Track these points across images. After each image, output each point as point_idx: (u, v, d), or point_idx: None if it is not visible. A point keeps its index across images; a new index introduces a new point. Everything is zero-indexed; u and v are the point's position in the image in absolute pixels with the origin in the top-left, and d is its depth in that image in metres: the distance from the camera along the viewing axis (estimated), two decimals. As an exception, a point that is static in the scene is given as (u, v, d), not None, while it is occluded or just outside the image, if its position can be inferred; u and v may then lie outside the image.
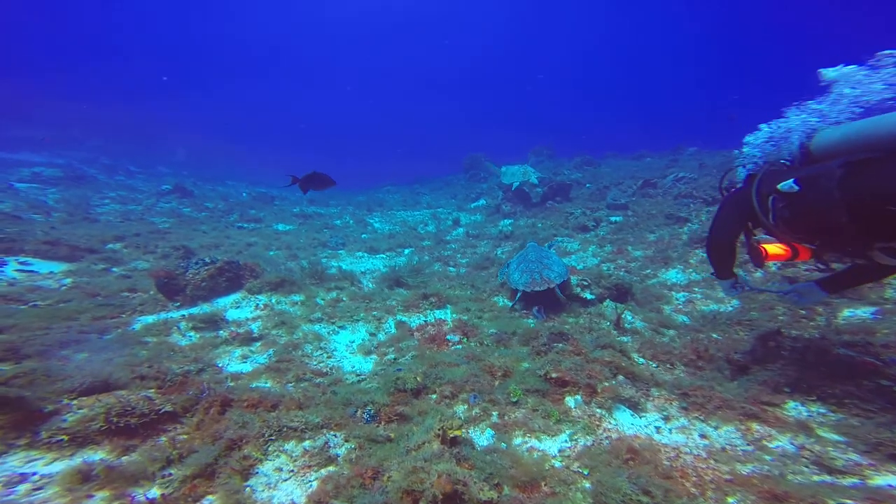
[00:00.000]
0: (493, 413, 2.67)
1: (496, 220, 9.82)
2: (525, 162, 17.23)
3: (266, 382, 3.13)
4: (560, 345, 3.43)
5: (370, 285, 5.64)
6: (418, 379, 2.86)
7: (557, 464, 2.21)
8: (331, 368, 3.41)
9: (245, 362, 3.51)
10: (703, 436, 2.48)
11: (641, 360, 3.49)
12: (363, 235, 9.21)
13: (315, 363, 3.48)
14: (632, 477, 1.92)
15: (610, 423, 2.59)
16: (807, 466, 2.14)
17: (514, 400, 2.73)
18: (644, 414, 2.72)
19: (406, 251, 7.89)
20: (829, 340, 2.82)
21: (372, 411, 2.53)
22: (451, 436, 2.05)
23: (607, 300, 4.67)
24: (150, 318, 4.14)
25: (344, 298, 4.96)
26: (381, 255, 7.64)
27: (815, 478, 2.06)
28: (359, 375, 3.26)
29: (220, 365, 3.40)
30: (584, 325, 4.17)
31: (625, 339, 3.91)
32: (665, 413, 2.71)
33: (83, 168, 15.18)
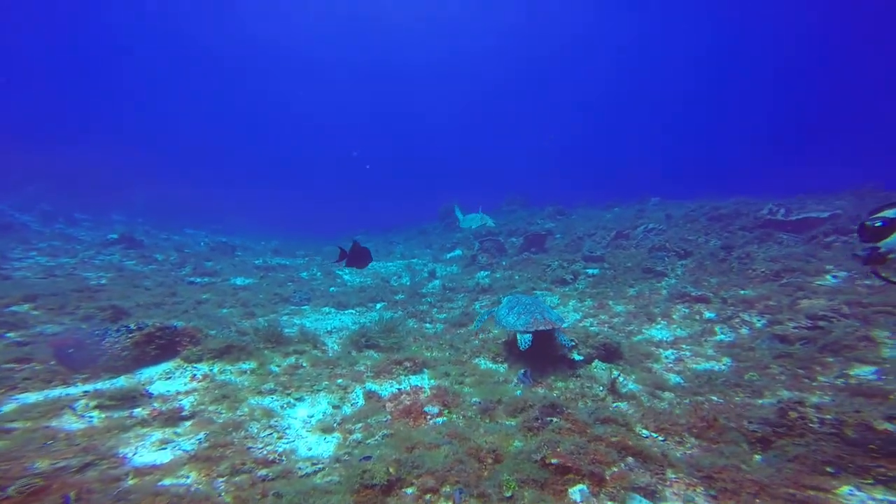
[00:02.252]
0: None
1: (472, 271, 9.53)
2: (499, 209, 17.67)
3: (187, 477, 2.43)
4: (555, 419, 2.95)
5: (335, 347, 5.02)
6: (391, 470, 2.28)
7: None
8: (280, 454, 2.74)
9: (164, 449, 2.77)
10: None
11: (645, 431, 3.05)
12: (331, 289, 8.58)
13: (260, 448, 2.80)
14: None
15: None
16: None
17: (508, 495, 2.19)
18: (664, 505, 2.24)
19: (378, 306, 7.33)
20: (867, 412, 2.52)
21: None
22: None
23: (596, 361, 4.29)
24: (34, 397, 3.31)
25: (304, 364, 4.32)
26: (351, 311, 7.04)
27: None
28: (315, 464, 2.62)
29: (122, 455, 2.65)
30: (576, 391, 3.72)
31: (622, 405, 3.48)
32: None
33: (14, 215, 13.92)
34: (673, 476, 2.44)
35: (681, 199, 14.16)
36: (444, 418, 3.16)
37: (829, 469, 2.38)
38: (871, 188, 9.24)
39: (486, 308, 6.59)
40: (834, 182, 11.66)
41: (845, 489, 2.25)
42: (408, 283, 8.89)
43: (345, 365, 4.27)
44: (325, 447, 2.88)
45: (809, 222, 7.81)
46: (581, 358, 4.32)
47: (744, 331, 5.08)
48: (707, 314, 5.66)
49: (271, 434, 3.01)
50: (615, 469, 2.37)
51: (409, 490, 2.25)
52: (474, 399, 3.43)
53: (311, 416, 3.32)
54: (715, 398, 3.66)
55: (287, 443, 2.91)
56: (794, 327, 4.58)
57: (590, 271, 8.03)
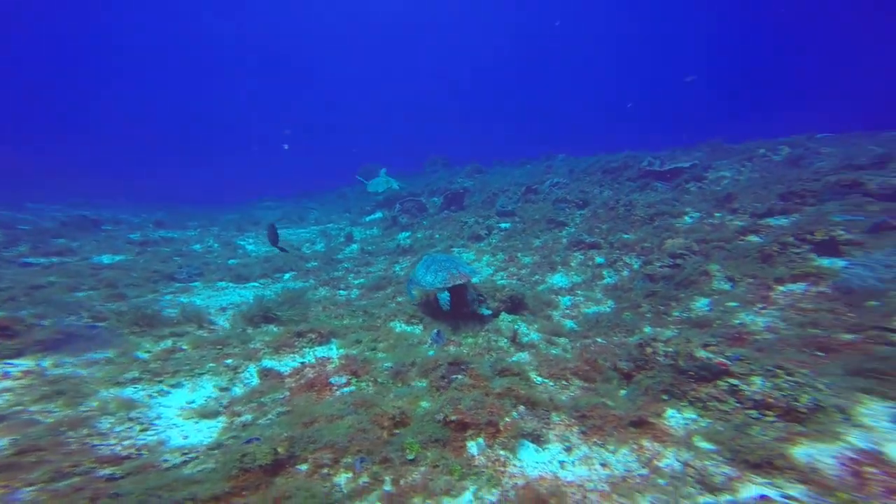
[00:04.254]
0: (386, 478, 2.12)
1: (394, 233, 9.29)
2: (421, 171, 17.27)
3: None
4: (459, 377, 3.05)
5: (227, 325, 4.56)
6: (280, 449, 2.15)
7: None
8: (141, 448, 2.41)
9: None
10: (603, 464, 2.30)
11: (539, 378, 3.32)
12: (231, 261, 7.73)
13: (113, 444, 2.44)
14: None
15: (514, 465, 2.26)
16: (693, 487, 2.08)
17: (411, 457, 2.23)
18: (547, 446, 2.46)
19: (286, 276, 6.81)
20: (693, 343, 2.97)
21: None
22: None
23: (503, 314, 4.52)
24: None
25: (184, 347, 3.84)
26: (253, 284, 6.43)
27: (702, 499, 2.00)
28: (187, 453, 2.36)
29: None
30: (483, 346, 3.90)
31: (522, 355, 3.74)
32: (567, 443, 2.49)
33: None
34: (557, 419, 2.69)
35: (585, 155, 15.07)
36: (353, 387, 3.07)
37: (664, 396, 2.80)
38: (719, 141, 10.66)
39: (408, 270, 6.52)
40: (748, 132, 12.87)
41: (670, 412, 2.67)
42: (322, 250, 8.38)
43: (236, 343, 3.89)
44: (206, 434, 2.63)
45: (677, 171, 8.84)
46: (489, 312, 4.51)
47: (625, 273, 5.72)
48: (598, 259, 6.24)
49: (132, 427, 2.64)
50: (508, 419, 2.54)
51: (303, 467, 2.16)
52: (386, 364, 3.39)
53: (192, 402, 2.99)
54: (600, 340, 4.10)
55: (154, 434, 2.59)
56: (660, 266, 5.26)
57: (502, 226, 8.30)
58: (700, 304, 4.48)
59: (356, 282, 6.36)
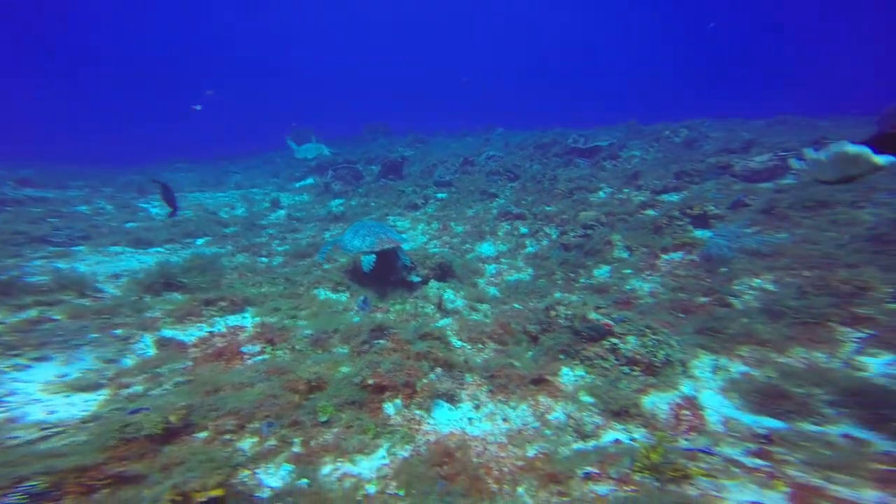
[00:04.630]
0: (296, 440, 2.21)
1: (326, 199, 8.92)
2: (360, 136, 16.43)
3: None
4: (381, 342, 3.20)
5: (115, 292, 4.17)
6: (172, 418, 2.09)
7: (372, 489, 1.97)
8: None
9: None
10: (505, 419, 2.63)
11: (459, 342, 3.60)
12: (129, 224, 6.90)
13: None
14: (442, 494, 1.83)
15: (429, 423, 2.50)
16: (571, 435, 2.47)
17: (324, 419, 2.35)
18: (460, 405, 2.74)
19: (199, 241, 6.30)
20: (587, 306, 3.41)
21: (38, 488, 1.60)
22: (202, 499, 1.51)
23: (432, 281, 4.72)
24: None
25: (57, 317, 3.45)
26: (157, 249, 5.87)
27: (575, 445, 2.38)
28: (48, 428, 2.18)
29: None
30: (411, 312, 4.08)
31: (447, 321, 3.99)
32: (476, 401, 2.79)
33: None
34: (470, 379, 2.98)
35: (522, 129, 15.46)
36: (267, 356, 3.04)
37: (561, 356, 3.23)
38: (635, 121, 11.64)
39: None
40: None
41: (564, 370, 3.11)
42: (243, 214, 7.81)
43: (129, 312, 3.59)
44: (80, 408, 2.47)
45: (596, 149, 9.57)
46: (419, 279, 4.67)
47: (544, 242, 6.23)
48: (522, 229, 6.68)
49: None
50: (425, 381, 2.78)
51: (202, 434, 2.16)
52: (307, 332, 3.40)
53: (63, 376, 2.77)
54: (517, 305, 4.49)
55: (3, 412, 2.37)
56: (574, 236, 5.82)
57: (439, 195, 8.40)
58: (602, 272, 5.09)
59: (280, 248, 6.10)
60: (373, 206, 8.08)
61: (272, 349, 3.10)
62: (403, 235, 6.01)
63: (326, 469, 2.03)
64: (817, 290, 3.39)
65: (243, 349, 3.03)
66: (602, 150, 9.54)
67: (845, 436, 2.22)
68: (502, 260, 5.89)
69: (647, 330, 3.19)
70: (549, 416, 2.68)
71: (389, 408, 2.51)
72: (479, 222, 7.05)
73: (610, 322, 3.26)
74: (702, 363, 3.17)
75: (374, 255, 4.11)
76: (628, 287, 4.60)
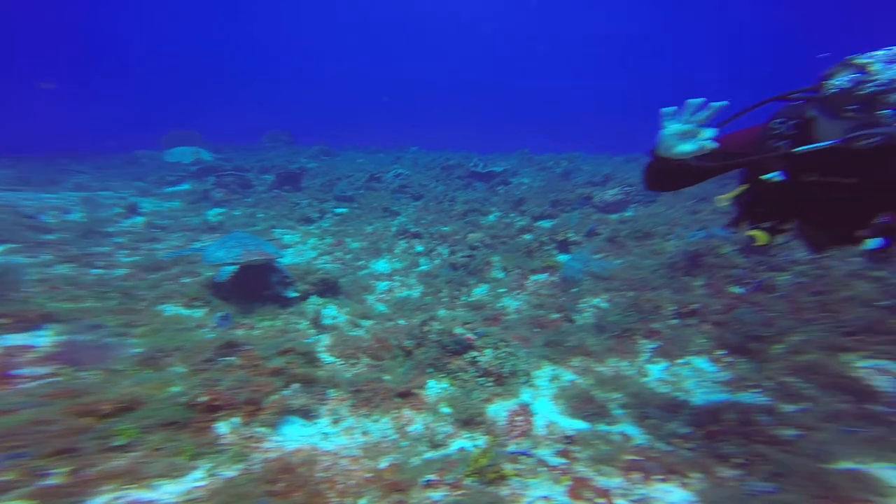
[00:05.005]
0: (57, 471, 1.86)
1: (203, 208, 8.06)
2: (259, 146, 15.24)
3: None
4: (230, 359, 3.02)
5: None
6: None
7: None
8: None
9: None
10: (364, 433, 2.71)
11: (331, 358, 3.58)
12: None
13: None
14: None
15: (272, 441, 2.44)
16: (425, 445, 2.63)
17: (122, 443, 2.07)
18: (317, 421, 2.75)
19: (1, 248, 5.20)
20: (456, 322, 3.72)
21: None
22: None
23: (313, 297, 4.62)
24: None
25: None
26: None
27: (427, 455, 2.55)
28: None
29: None
30: (280, 328, 3.93)
31: (320, 337, 3.94)
32: (336, 416, 2.83)
33: None
34: (333, 394, 3.00)
35: (437, 150, 16.03)
36: (61, 378, 2.64)
37: (429, 370, 3.46)
38: (528, 151, 13.13)
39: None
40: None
41: (431, 383, 3.32)
42: (80, 220, 6.65)
43: None
44: None
45: (492, 174, 10.50)
46: (296, 295, 4.53)
47: (437, 261, 6.57)
48: (418, 248, 6.95)
49: None
50: (276, 396, 2.70)
51: None
52: (135, 350, 3.04)
53: None
54: (402, 321, 4.65)
55: None
56: (461, 256, 6.27)
57: (338, 210, 8.26)
58: (481, 290, 5.58)
59: (128, 259, 5.33)
60: (259, 218, 7.57)
61: (74, 370, 2.67)
62: (289, 250, 5.78)
63: (100, 500, 1.80)
64: (631, 309, 4.24)
65: (18, 371, 2.55)
66: (497, 175, 10.49)
67: (621, 433, 2.80)
68: (395, 277, 6.03)
69: (501, 343, 3.60)
70: (409, 428, 2.83)
71: (223, 427, 2.38)
72: (378, 239, 7.13)
73: (471, 336, 3.59)
74: (544, 373, 3.67)
75: (234, 267, 3.85)
76: (500, 305, 5.11)
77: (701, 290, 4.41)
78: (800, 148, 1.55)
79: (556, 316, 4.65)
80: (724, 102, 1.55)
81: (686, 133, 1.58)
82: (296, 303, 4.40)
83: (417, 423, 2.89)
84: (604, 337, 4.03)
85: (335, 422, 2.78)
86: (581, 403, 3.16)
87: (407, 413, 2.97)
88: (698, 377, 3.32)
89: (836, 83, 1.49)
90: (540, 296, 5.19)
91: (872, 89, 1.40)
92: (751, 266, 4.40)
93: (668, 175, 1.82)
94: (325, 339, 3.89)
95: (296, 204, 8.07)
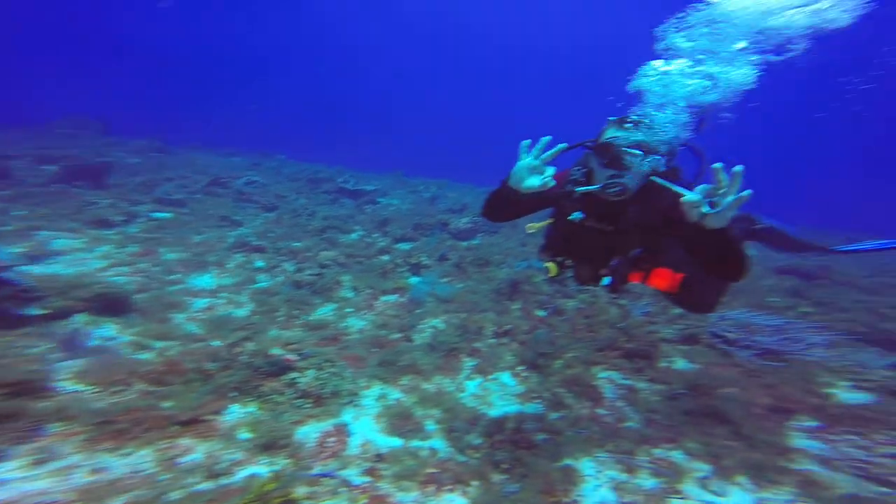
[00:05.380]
0: None
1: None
2: (47, 131, 11.69)
3: None
4: None
5: None
6: None
7: None
8: None
9: None
10: (94, 471, 2.11)
11: (77, 387, 2.75)
12: None
13: None
14: None
15: None
16: (198, 476, 2.25)
17: None
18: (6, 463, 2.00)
19: None
20: (274, 342, 3.34)
21: None
22: None
23: (80, 315, 3.55)
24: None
25: None
26: None
27: (197, 486, 2.17)
28: None
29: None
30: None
31: (72, 362, 3.01)
32: (43, 455, 2.13)
33: None
34: (57, 429, 2.26)
35: (311, 161, 14.96)
36: None
37: (232, 394, 3.00)
38: (402, 172, 13.49)
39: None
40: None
41: (233, 407, 2.90)
42: None
43: None
44: None
45: (362, 192, 10.41)
46: (42, 312, 3.41)
47: (280, 278, 5.95)
48: (258, 263, 6.19)
49: None
50: None
51: None
52: None
53: None
54: (218, 342, 3.93)
55: None
56: (308, 274, 5.83)
57: (157, 215, 6.81)
58: (326, 310, 5.25)
59: None
60: (14, 216, 5.61)
61: None
62: (60, 258, 4.40)
63: None
64: (459, 329, 4.57)
65: None
66: (367, 193, 10.42)
67: (430, 448, 2.88)
68: (221, 294, 5.19)
69: (327, 363, 3.38)
70: (181, 460, 2.39)
71: None
72: (206, 251, 6.10)
73: (292, 357, 3.27)
74: (372, 392, 3.58)
75: None
76: (344, 325, 4.88)
77: (517, 312, 5.08)
78: (578, 188, 1.79)
79: (397, 336, 4.67)
80: (564, 144, 1.72)
81: (534, 168, 1.70)
82: (40, 322, 3.29)
83: (197, 452, 2.46)
84: (434, 356, 4.21)
85: (35, 463, 2.07)
86: (401, 421, 3.19)
87: (185, 442, 2.52)
88: (502, 391, 3.72)
89: (602, 138, 1.73)
90: (387, 316, 5.17)
91: (622, 147, 1.65)
92: (552, 293, 5.30)
93: (506, 205, 1.93)
94: (76, 365, 2.97)
95: (90, 203, 6.32)
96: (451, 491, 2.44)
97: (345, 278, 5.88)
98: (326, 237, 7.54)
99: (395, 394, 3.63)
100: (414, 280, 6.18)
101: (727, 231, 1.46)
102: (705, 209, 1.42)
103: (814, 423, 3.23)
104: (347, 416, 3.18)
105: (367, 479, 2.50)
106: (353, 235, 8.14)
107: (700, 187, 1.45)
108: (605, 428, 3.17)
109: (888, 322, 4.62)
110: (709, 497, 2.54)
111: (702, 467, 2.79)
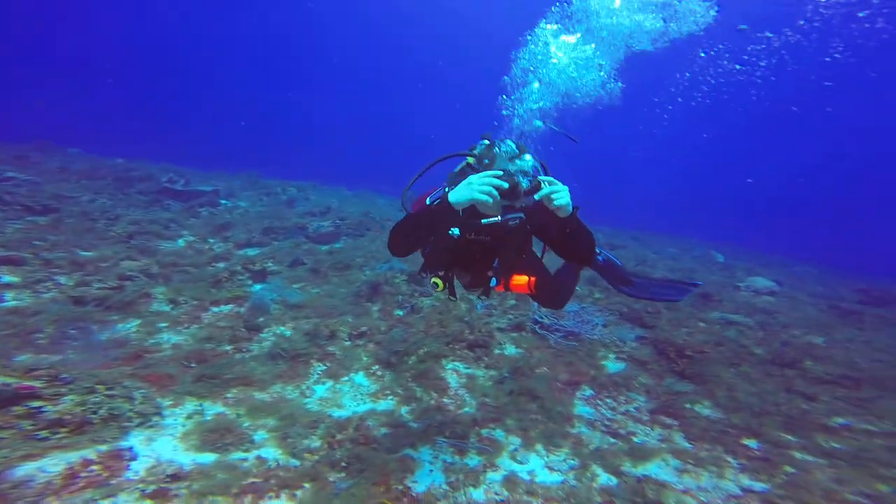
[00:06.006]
0: None
1: None
2: None
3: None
4: None
5: None
6: None
7: None
8: None
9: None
10: None
11: None
12: None
13: None
14: None
15: None
16: None
17: None
18: None
19: None
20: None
21: None
22: None
23: None
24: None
25: None
26: None
27: None
28: None
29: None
30: None
31: None
32: None
33: None
34: None
35: (128, 157, 11.79)
36: None
37: None
38: (257, 173, 12.02)
39: None
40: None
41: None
42: None
43: None
44: None
45: (196, 193, 8.78)
46: None
47: (47, 294, 4.42)
48: (6, 278, 4.48)
49: None
50: None
51: None
52: None
53: None
54: None
55: None
56: (98, 287, 4.50)
57: None
58: (128, 326, 4.13)
59: None
60: None
61: None
62: None
63: None
64: (310, 335, 4.17)
65: None
66: (204, 195, 8.85)
67: (257, 457, 2.47)
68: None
69: (100, 385, 2.61)
70: None
71: None
72: None
73: (34, 384, 2.38)
74: (182, 410, 2.94)
75: None
76: (152, 342, 3.91)
77: (376, 314, 4.97)
78: (484, 220, 1.80)
79: (227, 348, 3.98)
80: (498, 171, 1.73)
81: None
82: None
83: None
84: (275, 364, 3.72)
85: None
86: (217, 436, 2.72)
87: None
88: (354, 392, 3.54)
89: (497, 166, 1.77)
90: (217, 328, 4.37)
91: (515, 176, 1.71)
92: (410, 293, 5.39)
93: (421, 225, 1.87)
94: None
95: None
96: (275, 497, 2.11)
97: (158, 290, 4.75)
98: (135, 244, 6.02)
99: (214, 409, 3.07)
100: (257, 287, 5.43)
101: (575, 216, 1.78)
102: (557, 197, 1.69)
103: (590, 392, 3.90)
104: (133, 439, 2.52)
105: (154, 500, 1.96)
106: (180, 241, 6.74)
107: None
108: (447, 416, 3.29)
109: (638, 302, 5.81)
110: (515, 466, 2.84)
111: (514, 441, 3.11)
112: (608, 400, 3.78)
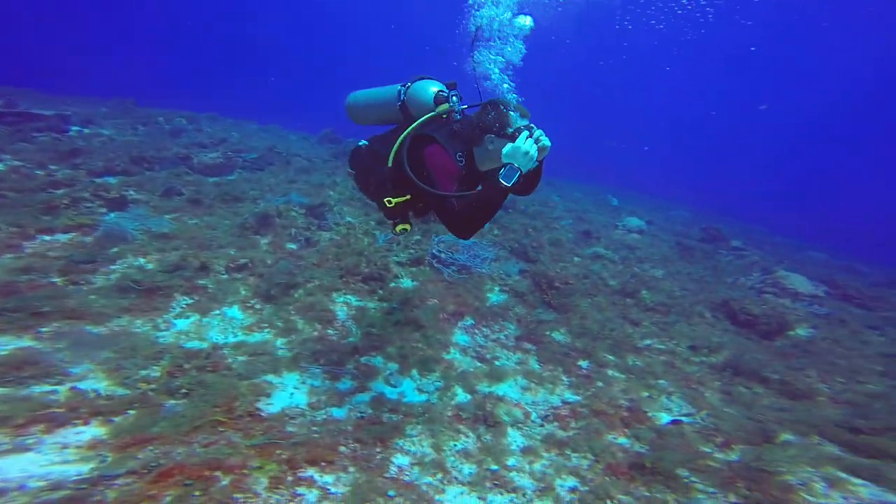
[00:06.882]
0: None
1: None
2: None
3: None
4: None
5: None
6: None
7: None
8: None
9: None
10: None
11: None
12: None
13: None
14: None
15: None
16: None
17: None
18: None
19: None
20: None
21: None
22: None
23: None
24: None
25: None
26: None
27: None
28: None
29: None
30: None
31: None
32: None
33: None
34: None
35: None
36: None
37: None
38: (133, 101, 9.92)
39: None
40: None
41: None
42: None
43: None
44: None
45: (34, 117, 6.93)
46: None
47: None
48: None
49: None
50: None
51: None
52: None
53: None
54: None
55: None
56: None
57: None
58: None
59: None
60: None
61: None
62: None
63: None
64: (175, 266, 3.56)
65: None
66: (41, 118, 7.01)
67: (71, 389, 2.01)
68: None
69: None
70: None
71: None
72: None
73: None
74: None
75: None
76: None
77: (265, 247, 4.44)
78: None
79: (56, 279, 3.22)
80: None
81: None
82: None
83: None
84: (123, 297, 3.10)
85: None
86: (14, 370, 2.14)
87: None
88: (224, 325, 3.11)
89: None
90: (43, 258, 3.51)
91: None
92: (306, 225, 4.91)
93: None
94: None
95: None
96: (81, 425, 1.74)
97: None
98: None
99: (18, 343, 2.43)
100: (114, 216, 4.49)
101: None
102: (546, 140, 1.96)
103: (471, 322, 3.96)
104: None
105: None
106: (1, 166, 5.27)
107: None
108: (326, 345, 3.08)
109: (527, 238, 6.15)
110: (386, 388, 2.83)
111: (392, 367, 3.06)
112: (484, 329, 3.87)
